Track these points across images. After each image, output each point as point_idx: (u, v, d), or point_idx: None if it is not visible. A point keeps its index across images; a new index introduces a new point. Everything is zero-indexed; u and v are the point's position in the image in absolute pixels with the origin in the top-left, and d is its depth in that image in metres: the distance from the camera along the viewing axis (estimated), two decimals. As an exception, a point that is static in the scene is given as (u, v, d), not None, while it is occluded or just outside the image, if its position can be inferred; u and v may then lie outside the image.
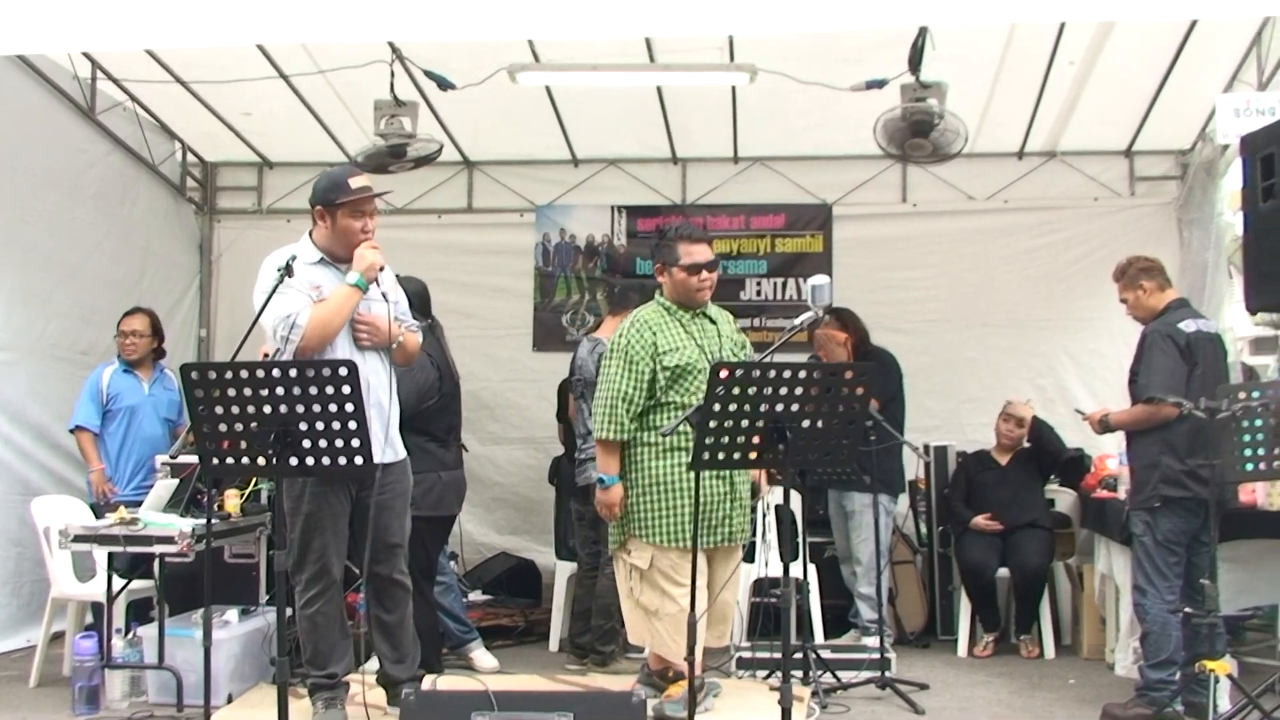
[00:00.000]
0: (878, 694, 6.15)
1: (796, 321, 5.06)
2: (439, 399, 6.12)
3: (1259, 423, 4.93)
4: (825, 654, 6.42)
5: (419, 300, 6.23)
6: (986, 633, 7.39)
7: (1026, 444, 7.63)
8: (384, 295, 5.11)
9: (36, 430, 7.62)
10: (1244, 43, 7.06)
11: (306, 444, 4.27)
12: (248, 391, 4.20)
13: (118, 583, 5.91)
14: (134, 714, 5.69)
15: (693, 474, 5.14)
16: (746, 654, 6.35)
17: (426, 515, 5.84)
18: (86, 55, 7.68)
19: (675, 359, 5.30)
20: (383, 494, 5.08)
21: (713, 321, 5.52)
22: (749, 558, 6.03)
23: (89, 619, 6.74)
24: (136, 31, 5.48)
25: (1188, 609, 5.35)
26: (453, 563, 7.76)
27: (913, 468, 7.81)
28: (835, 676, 6.22)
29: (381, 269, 5.04)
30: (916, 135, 6.76)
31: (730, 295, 8.73)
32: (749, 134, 8.75)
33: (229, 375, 4.22)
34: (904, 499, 7.91)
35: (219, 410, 4.23)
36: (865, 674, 6.25)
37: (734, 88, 7.85)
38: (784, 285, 9.25)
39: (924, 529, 8.18)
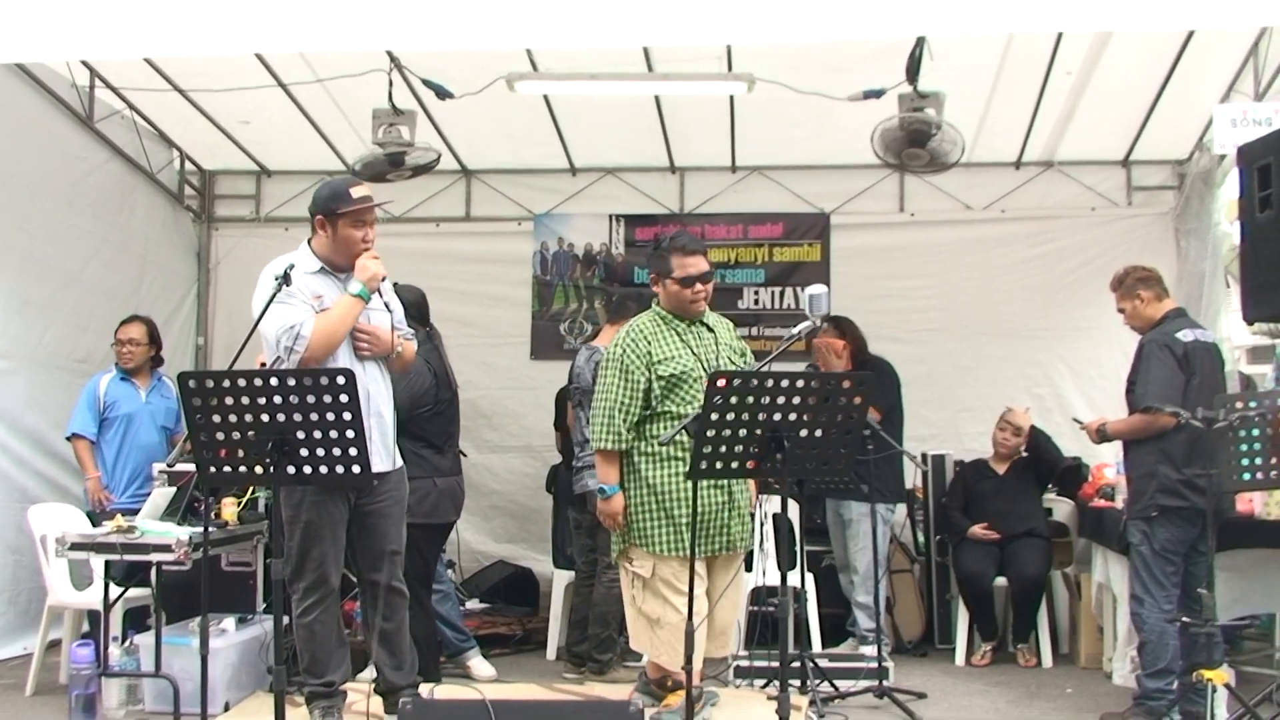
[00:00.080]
0: (875, 703, 6.15)
1: (794, 331, 5.06)
2: (433, 406, 6.13)
3: (1256, 432, 4.93)
4: (823, 663, 6.42)
5: (417, 309, 6.24)
6: (984, 642, 7.39)
7: (1024, 453, 7.63)
8: (386, 305, 5.13)
9: (34, 438, 7.62)
10: (1240, 53, 7.08)
11: (304, 453, 4.28)
12: (245, 400, 4.20)
13: (115, 591, 5.90)
14: (130, 722, 5.71)
15: (690, 483, 5.15)
16: (744, 663, 6.35)
17: (422, 523, 5.84)
18: (85, 63, 7.68)
19: (670, 368, 5.30)
20: (381, 501, 5.10)
21: (710, 330, 5.50)
22: (747, 567, 6.03)
23: (86, 627, 6.74)
24: (135, 40, 5.48)
25: (1185, 618, 5.36)
26: (450, 571, 7.77)
27: (910, 477, 7.81)
28: (833, 685, 6.22)
29: (384, 279, 5.05)
30: (914, 145, 6.77)
31: (728, 304, 8.74)
32: (747, 143, 8.77)
33: (227, 384, 4.22)
34: (901, 508, 7.91)
35: (216, 419, 4.23)
36: (863, 683, 6.25)
37: (732, 97, 7.86)
38: (781, 294, 9.25)
39: (921, 538, 8.18)
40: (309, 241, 5.13)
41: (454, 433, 6.42)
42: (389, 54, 6.95)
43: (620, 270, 9.29)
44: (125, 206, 8.65)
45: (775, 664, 4.73)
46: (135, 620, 6.46)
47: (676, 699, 5.19)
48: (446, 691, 5.60)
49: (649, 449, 5.31)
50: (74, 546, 5.64)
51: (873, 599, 6.85)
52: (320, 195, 5.10)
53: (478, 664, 6.83)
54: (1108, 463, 7.20)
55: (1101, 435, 5.94)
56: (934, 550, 7.91)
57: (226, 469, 4.39)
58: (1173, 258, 8.52)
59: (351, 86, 7.33)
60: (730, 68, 7.13)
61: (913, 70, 6.55)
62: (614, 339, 5.56)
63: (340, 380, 4.20)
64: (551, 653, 7.47)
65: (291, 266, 4.91)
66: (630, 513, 5.31)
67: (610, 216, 9.41)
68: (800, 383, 4.41)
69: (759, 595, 6.54)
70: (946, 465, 8.02)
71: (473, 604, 8.26)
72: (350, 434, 4.25)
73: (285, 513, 4.90)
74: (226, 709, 5.71)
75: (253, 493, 6.18)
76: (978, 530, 7.45)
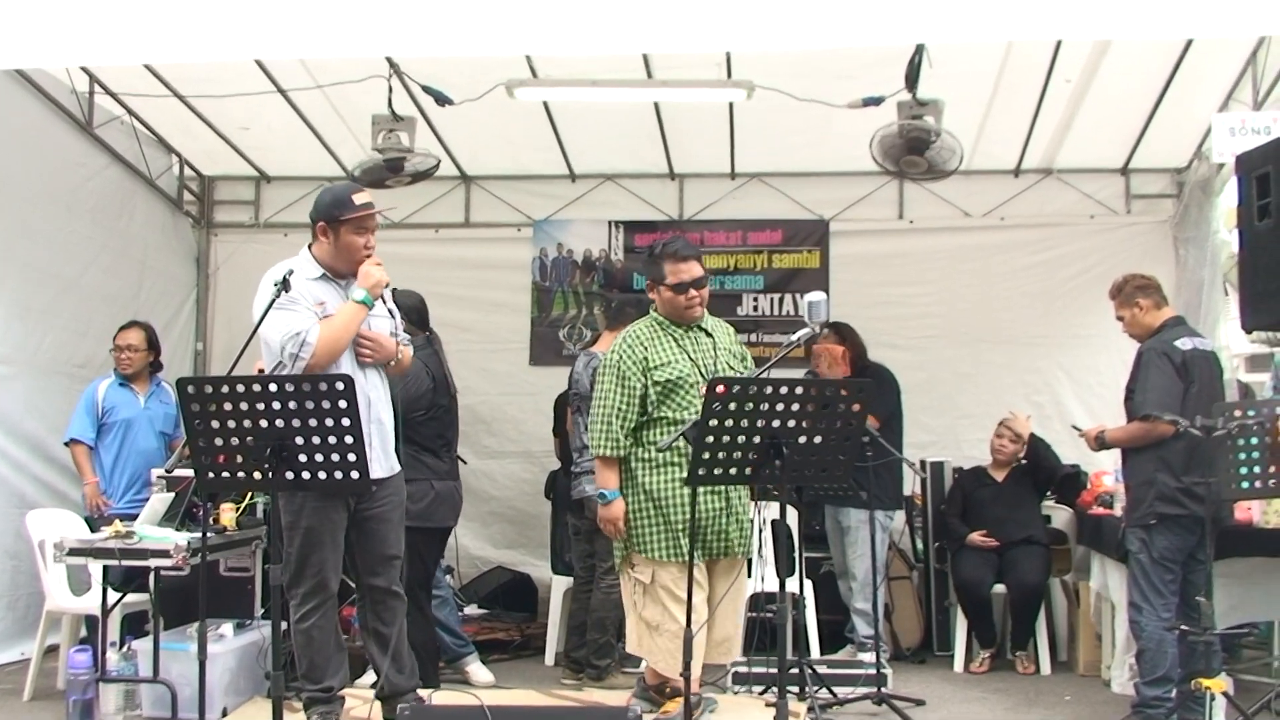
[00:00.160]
0: (874, 709, 6.15)
1: (793, 338, 5.07)
2: (428, 410, 6.12)
3: (1254, 440, 4.94)
4: (821, 669, 6.41)
5: (417, 314, 6.25)
6: (982, 649, 7.39)
7: (1023, 460, 7.63)
8: (390, 312, 5.15)
9: (33, 443, 7.61)
10: (1239, 62, 7.09)
11: (303, 458, 4.28)
12: (244, 405, 4.21)
13: (113, 596, 5.90)
14: (128, 728, 5.69)
15: (686, 489, 5.16)
16: (743, 669, 6.34)
17: (418, 526, 5.82)
18: (84, 69, 7.69)
19: (666, 374, 5.30)
20: (381, 507, 5.10)
21: (709, 334, 5.50)
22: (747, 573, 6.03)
23: (84, 632, 6.73)
24: (135, 46, 5.48)
25: (1183, 626, 5.35)
26: (449, 576, 7.76)
27: (909, 484, 7.81)
28: (831, 692, 6.21)
29: (387, 285, 5.06)
30: (912, 152, 6.77)
31: (727, 310, 8.73)
32: (746, 150, 8.77)
33: (225, 389, 4.23)
34: (900, 515, 7.90)
35: (215, 424, 4.24)
36: (861, 689, 6.24)
37: (731, 104, 7.87)
38: (780, 301, 9.26)
39: (920, 545, 8.18)
40: (309, 247, 5.13)
41: (451, 438, 6.42)
42: (388, 60, 6.96)
43: (619, 276, 9.29)
44: (124, 212, 8.65)
45: (773, 670, 4.74)
46: (133, 625, 6.46)
47: (675, 706, 5.19)
48: (445, 697, 5.60)
49: (646, 455, 5.32)
50: (72, 552, 5.64)
51: (871, 605, 6.85)
52: (322, 201, 5.10)
53: (476, 669, 6.83)
54: (1106, 470, 7.20)
55: (1100, 443, 5.94)
56: (933, 557, 7.91)
57: (225, 474, 4.40)
58: (1171, 266, 8.52)
59: (351, 92, 7.33)
60: (730, 75, 7.13)
61: (912, 78, 6.55)
62: (611, 346, 5.57)
63: (339, 386, 4.20)
64: (550, 658, 7.47)
65: (291, 272, 4.91)
66: (628, 519, 5.32)
67: (609, 223, 9.41)
68: (799, 389, 4.42)
69: (757, 601, 6.54)
70: (945, 472, 8.02)
71: (471, 609, 8.27)
72: (349, 439, 4.25)
73: (285, 518, 4.90)
74: (224, 714, 5.71)
75: (251, 498, 6.19)
76: (976, 537, 7.45)
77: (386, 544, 5.15)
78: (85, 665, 5.66)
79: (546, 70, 7.11)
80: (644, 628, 5.34)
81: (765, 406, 4.37)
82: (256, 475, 4.34)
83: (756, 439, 4.41)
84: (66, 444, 7.20)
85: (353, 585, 5.33)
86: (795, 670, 5.99)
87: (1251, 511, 6.05)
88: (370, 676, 5.88)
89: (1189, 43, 6.89)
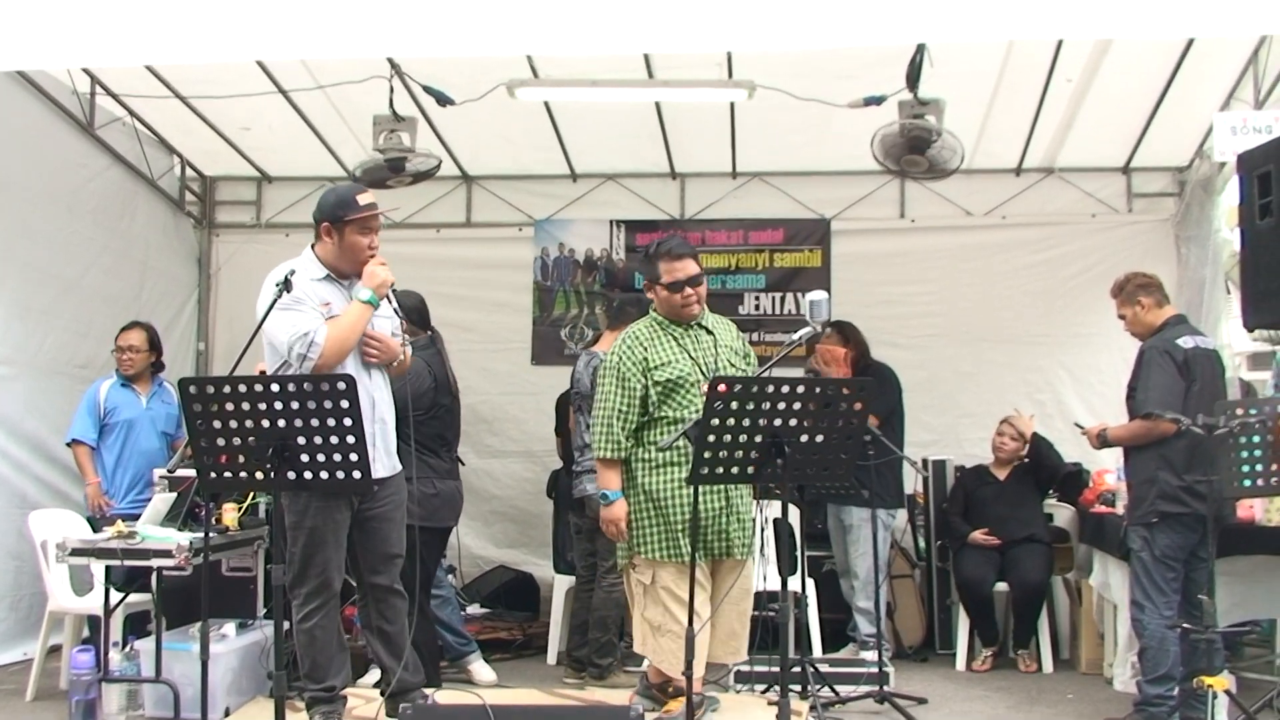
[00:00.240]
0: (876, 708, 6.15)
1: (795, 337, 5.07)
2: (429, 410, 6.12)
3: (1256, 439, 4.94)
4: (823, 668, 6.42)
5: (418, 314, 6.25)
6: (985, 647, 7.39)
7: (1025, 459, 7.63)
8: (395, 312, 5.16)
9: (34, 444, 7.62)
10: (1240, 61, 7.08)
11: (305, 458, 4.28)
12: (246, 406, 4.21)
13: (115, 596, 5.91)
14: (131, 728, 5.70)
15: (685, 489, 5.16)
16: (745, 668, 6.34)
17: (417, 524, 5.78)
18: (86, 71, 7.69)
19: (666, 373, 5.30)
20: (383, 506, 5.12)
21: (709, 332, 5.48)
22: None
23: (86, 632, 6.74)
24: (136, 48, 5.48)
25: (1186, 624, 5.35)
26: (451, 576, 7.77)
27: (911, 482, 7.81)
28: (833, 691, 6.22)
29: (392, 285, 5.07)
30: (913, 151, 6.77)
31: (729, 309, 8.73)
32: (747, 149, 8.77)
33: (227, 389, 4.23)
34: (902, 513, 7.91)
35: (217, 424, 4.24)
36: (863, 688, 6.25)
37: (732, 103, 7.87)
38: (782, 300, 9.26)
39: (922, 543, 8.19)
40: (312, 248, 5.14)
41: (451, 438, 6.42)
42: (390, 61, 6.96)
43: (621, 276, 9.29)
44: (126, 213, 8.66)
45: (776, 669, 4.73)
46: (136, 625, 6.46)
47: (677, 705, 5.19)
48: (447, 696, 5.61)
49: (645, 455, 5.31)
50: (75, 552, 5.65)
51: (873, 604, 6.85)
52: (326, 202, 5.11)
53: (479, 668, 6.84)
54: (1108, 469, 7.21)
55: (1102, 441, 5.94)
56: (935, 556, 7.91)
57: (227, 474, 4.40)
58: (1173, 264, 8.52)
59: (352, 93, 7.33)
60: (731, 74, 7.13)
61: (913, 77, 6.55)
62: (611, 346, 5.57)
63: (340, 386, 4.21)
64: (552, 657, 7.48)
65: (292, 272, 4.92)
66: (629, 519, 5.32)
67: (611, 222, 9.41)
68: (801, 388, 4.42)
69: (760, 600, 6.53)
70: (947, 471, 8.02)
71: (473, 609, 8.28)
72: (351, 439, 4.26)
73: (289, 518, 4.90)
74: (227, 714, 5.72)
75: (253, 498, 6.19)
76: (978, 536, 7.45)
77: (389, 543, 5.17)
78: (88, 665, 5.66)
79: (547, 70, 7.11)
80: (647, 628, 5.34)
81: (767, 405, 4.36)
82: (258, 475, 4.34)
83: (758, 438, 4.41)
84: (68, 444, 7.21)
85: (354, 585, 5.34)
86: (797, 669, 5.99)
87: (1253, 509, 6.06)
88: (372, 676, 5.89)
89: (1190, 42, 6.89)
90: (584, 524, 6.71)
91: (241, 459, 4.31)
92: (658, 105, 8.10)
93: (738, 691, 6.25)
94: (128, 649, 5.87)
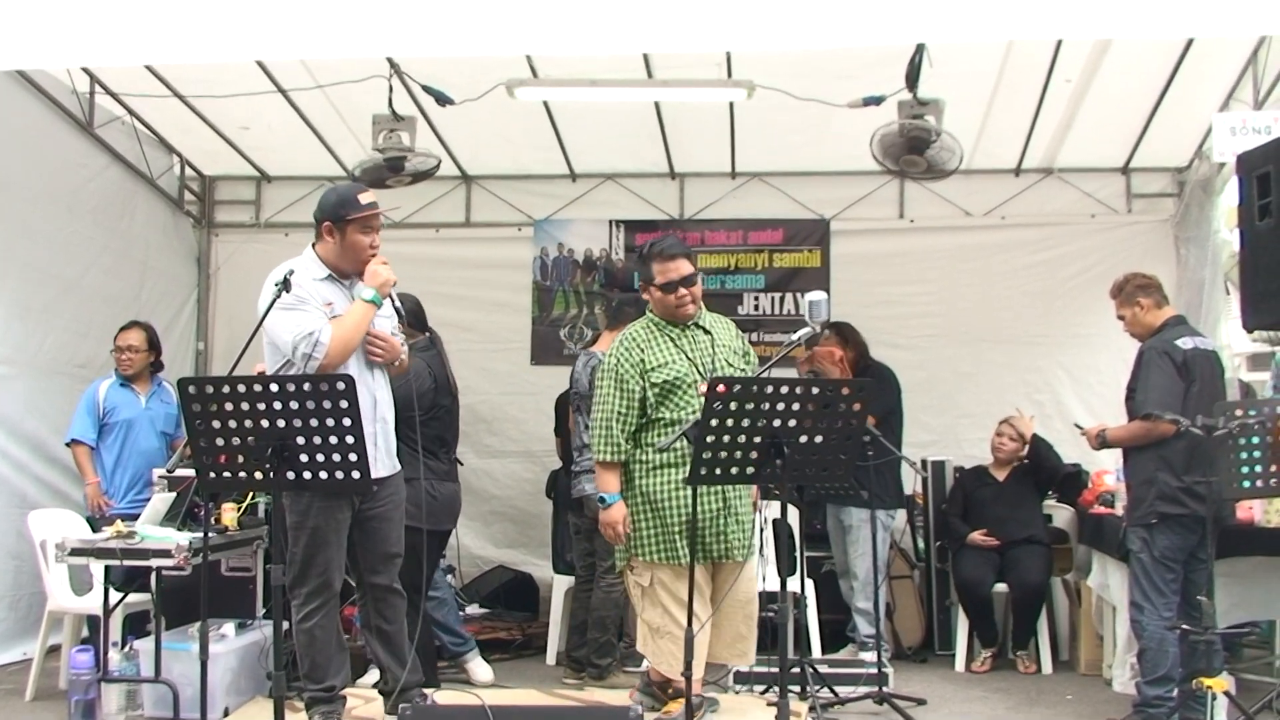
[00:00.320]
0: (875, 709, 6.15)
1: (794, 337, 5.07)
2: (430, 410, 6.11)
3: (1255, 440, 4.94)
4: (823, 669, 6.41)
5: (414, 315, 6.24)
6: (984, 648, 7.39)
7: (1024, 460, 7.63)
8: (397, 311, 5.16)
9: (34, 444, 7.62)
10: (1240, 62, 7.09)
11: (304, 458, 4.29)
12: (245, 405, 4.21)
13: (114, 596, 5.90)
14: (130, 728, 5.69)
15: (682, 490, 5.15)
16: (744, 669, 6.34)
17: (416, 526, 5.78)
18: (85, 70, 7.69)
19: (663, 375, 5.28)
20: (382, 506, 5.12)
21: (706, 332, 5.46)
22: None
23: (85, 632, 6.74)
24: (136, 47, 5.48)
25: (1185, 626, 5.35)
26: (450, 576, 7.77)
27: (910, 483, 7.81)
28: (833, 691, 6.22)
29: (394, 285, 5.07)
30: (913, 151, 6.77)
31: (728, 310, 8.68)
32: (747, 149, 8.78)
33: (226, 389, 4.23)
34: (901, 514, 7.91)
35: (216, 424, 4.24)
36: (863, 689, 6.25)
37: (731, 103, 7.87)
38: (781, 300, 9.26)
39: (921, 544, 8.18)
40: (313, 247, 5.14)
41: (450, 440, 6.41)
42: (389, 60, 6.96)
43: (620, 276, 9.28)
44: (125, 212, 8.66)
45: (775, 670, 4.73)
46: (135, 625, 6.46)
47: (677, 706, 5.18)
48: (446, 697, 5.61)
49: (642, 456, 5.30)
50: (74, 552, 5.64)
51: (873, 605, 6.85)
52: (328, 201, 5.11)
53: (476, 666, 6.84)
54: (1108, 469, 7.21)
55: (1101, 442, 5.94)
56: (934, 556, 7.91)
57: (226, 474, 4.40)
58: (1172, 265, 8.52)
59: (351, 92, 7.33)
60: (730, 74, 7.13)
61: (912, 77, 6.55)
62: (608, 348, 5.56)
63: (340, 386, 4.21)
64: (551, 658, 7.47)
65: (291, 272, 4.91)
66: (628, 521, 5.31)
67: (610, 222, 9.41)
68: (800, 389, 4.42)
69: (759, 601, 6.53)
70: (946, 471, 8.02)
71: (473, 609, 8.27)
72: (350, 439, 4.26)
73: (291, 518, 4.89)
74: (226, 714, 5.72)
75: (252, 498, 6.18)
76: (977, 537, 7.45)
77: (388, 542, 5.18)
78: (87, 665, 5.66)
79: (547, 70, 7.11)
80: (647, 630, 5.34)
81: (766, 406, 4.36)
82: (258, 475, 4.35)
83: (757, 438, 4.41)
84: (68, 444, 7.21)
85: (353, 585, 5.34)
86: (797, 669, 5.99)
87: (1253, 511, 6.05)
88: (371, 676, 5.89)
89: (1190, 42, 6.90)
90: (583, 524, 6.71)
91: (241, 459, 4.31)
92: (657, 105, 8.10)
93: (737, 692, 6.24)
94: (127, 649, 5.87)
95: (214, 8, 5.27)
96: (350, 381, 4.23)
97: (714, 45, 6.29)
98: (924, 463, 7.78)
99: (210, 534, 5.39)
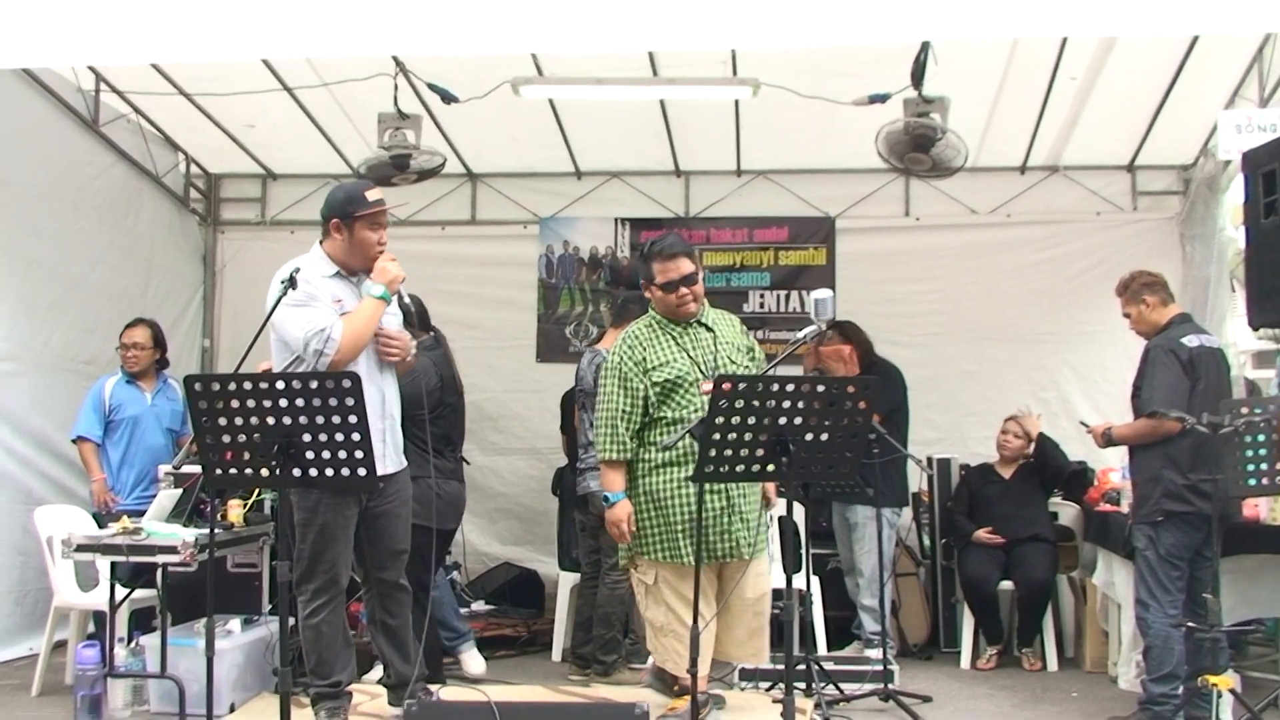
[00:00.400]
0: (881, 706, 6.15)
1: (800, 335, 5.07)
2: (435, 409, 6.11)
3: (1261, 438, 4.94)
4: (828, 666, 6.42)
5: (418, 315, 6.24)
6: (989, 645, 7.38)
7: (1030, 458, 7.62)
8: (404, 308, 5.17)
9: (40, 440, 7.63)
10: (1245, 59, 7.08)
11: (310, 455, 4.29)
12: (251, 403, 4.21)
13: (120, 592, 5.92)
14: (136, 724, 5.72)
15: (685, 489, 5.15)
16: (750, 666, 6.35)
17: (422, 524, 5.76)
18: (90, 68, 7.69)
19: (665, 374, 5.26)
20: (390, 502, 5.13)
21: (709, 329, 5.44)
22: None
23: (91, 628, 6.75)
24: (141, 45, 5.48)
25: (1190, 623, 5.34)
26: (455, 573, 7.77)
27: (916, 480, 7.81)
28: (838, 688, 6.22)
29: (403, 281, 5.07)
30: (918, 149, 6.77)
31: (733, 307, 8.61)
32: (752, 147, 8.78)
33: (232, 386, 4.23)
34: (907, 511, 7.90)
35: (222, 421, 4.24)
36: (868, 686, 6.24)
37: (736, 101, 7.88)
38: (787, 298, 9.27)
39: (927, 541, 8.18)
40: (320, 244, 5.14)
41: (455, 438, 6.42)
42: (394, 59, 6.97)
43: (625, 274, 9.25)
44: (131, 210, 8.67)
45: (780, 667, 4.73)
46: (141, 621, 6.48)
47: (683, 703, 5.19)
48: (452, 693, 5.62)
49: (646, 455, 5.29)
50: (80, 548, 5.66)
51: (878, 602, 6.85)
52: (335, 199, 5.11)
53: (468, 657, 6.83)
54: (1113, 467, 7.21)
55: (1107, 440, 5.94)
56: (939, 554, 7.91)
57: (232, 471, 4.41)
58: (1178, 263, 8.52)
59: (357, 90, 7.34)
60: (735, 72, 7.13)
61: (917, 75, 6.54)
62: (612, 347, 5.56)
63: (345, 383, 4.21)
64: (557, 654, 7.48)
65: (298, 270, 4.91)
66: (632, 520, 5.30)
67: (615, 220, 9.42)
68: (806, 387, 4.41)
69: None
70: (952, 469, 8.02)
71: (478, 606, 8.28)
72: (356, 436, 4.26)
73: (299, 515, 4.90)
74: (232, 710, 5.73)
75: (258, 494, 6.19)
76: (983, 534, 7.45)
77: (395, 539, 5.19)
78: (93, 661, 5.67)
79: (552, 68, 7.12)
80: (651, 629, 5.35)
81: (772, 404, 4.36)
82: (264, 472, 4.35)
83: (763, 436, 4.40)
84: (74, 441, 7.22)
85: (359, 581, 5.35)
86: (802, 666, 5.98)
87: (1259, 508, 6.05)
88: (377, 672, 5.89)
89: (1195, 40, 6.89)
90: (588, 521, 6.71)
91: (247, 456, 4.32)
92: (662, 103, 8.10)
93: (742, 689, 6.25)
94: (133, 645, 5.89)
95: (219, 6, 5.27)
96: (356, 379, 4.24)
97: (719, 43, 6.30)
98: (929, 460, 7.77)
99: (216, 530, 5.40)
